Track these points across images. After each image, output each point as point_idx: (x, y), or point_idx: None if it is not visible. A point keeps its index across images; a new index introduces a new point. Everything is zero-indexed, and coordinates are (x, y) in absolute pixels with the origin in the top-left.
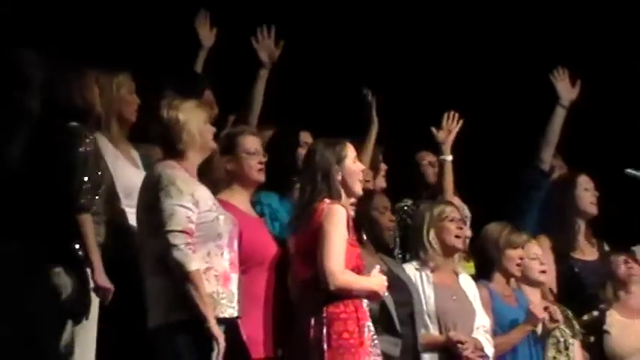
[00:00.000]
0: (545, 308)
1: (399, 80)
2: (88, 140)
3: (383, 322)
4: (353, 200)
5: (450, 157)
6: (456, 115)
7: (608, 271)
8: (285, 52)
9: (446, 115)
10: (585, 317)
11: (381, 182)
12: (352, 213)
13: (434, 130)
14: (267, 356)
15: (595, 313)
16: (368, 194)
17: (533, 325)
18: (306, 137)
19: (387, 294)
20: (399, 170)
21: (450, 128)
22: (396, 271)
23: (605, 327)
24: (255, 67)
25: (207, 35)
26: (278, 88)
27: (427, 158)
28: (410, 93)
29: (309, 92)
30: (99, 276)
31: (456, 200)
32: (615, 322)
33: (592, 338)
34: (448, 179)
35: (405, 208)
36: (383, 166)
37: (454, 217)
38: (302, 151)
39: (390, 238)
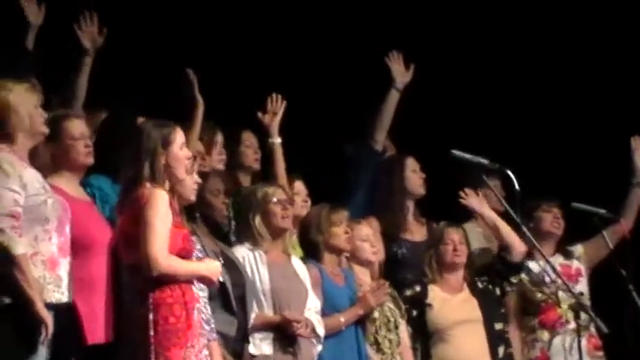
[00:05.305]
0: (379, 288)
1: (233, 63)
2: None
3: (220, 300)
4: (196, 179)
5: (278, 140)
6: (279, 97)
7: (433, 252)
8: (114, 33)
9: (269, 97)
10: (408, 292)
11: (216, 163)
12: (193, 197)
13: (259, 114)
14: (103, 341)
15: (417, 288)
16: (202, 176)
17: (364, 310)
18: None
19: (223, 272)
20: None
21: (275, 111)
22: (228, 253)
23: (428, 301)
24: (78, 55)
25: (35, 13)
26: (109, 70)
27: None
28: (242, 74)
29: (139, 74)
30: None
31: (298, 184)
32: (437, 296)
33: (414, 312)
34: (279, 162)
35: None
36: (219, 149)
37: (279, 198)
38: None
39: (224, 220)
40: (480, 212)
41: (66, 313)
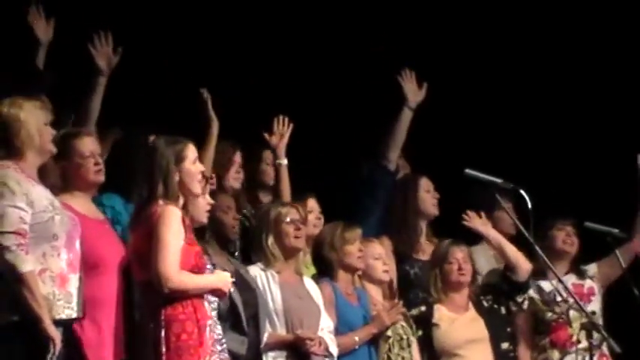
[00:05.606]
0: (393, 307)
1: (248, 83)
2: None
3: (231, 320)
4: (209, 200)
5: (284, 161)
6: (286, 119)
7: (438, 272)
8: (129, 52)
9: (276, 119)
10: (414, 312)
11: (233, 183)
12: (205, 219)
13: (266, 135)
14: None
15: (423, 307)
16: (211, 194)
17: (378, 329)
18: None
19: (234, 290)
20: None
21: (281, 132)
22: (241, 271)
23: (434, 320)
24: (93, 75)
25: (43, 29)
26: (123, 89)
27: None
28: (259, 93)
29: (155, 93)
30: None
31: (311, 202)
32: (443, 316)
33: (420, 332)
34: (284, 183)
35: (245, 211)
36: (237, 167)
37: (292, 218)
38: None
39: (235, 237)
40: (485, 234)
41: (74, 330)
